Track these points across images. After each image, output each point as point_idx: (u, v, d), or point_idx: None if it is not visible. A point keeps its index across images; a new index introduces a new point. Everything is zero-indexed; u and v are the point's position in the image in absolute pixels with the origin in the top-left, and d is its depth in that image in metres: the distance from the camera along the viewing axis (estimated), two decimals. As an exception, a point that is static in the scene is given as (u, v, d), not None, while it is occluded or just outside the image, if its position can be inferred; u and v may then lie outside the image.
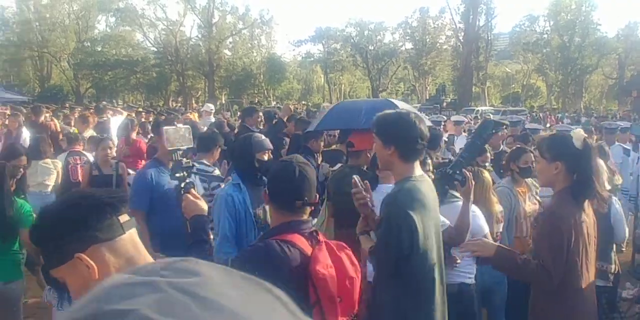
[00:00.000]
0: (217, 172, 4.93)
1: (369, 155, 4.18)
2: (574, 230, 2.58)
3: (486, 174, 4.03)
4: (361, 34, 48.94)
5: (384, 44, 50.35)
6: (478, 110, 28.18)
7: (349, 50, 49.45)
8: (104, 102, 19.20)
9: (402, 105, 5.12)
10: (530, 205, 4.45)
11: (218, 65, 46.70)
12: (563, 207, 2.65)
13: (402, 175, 2.60)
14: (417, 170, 2.65)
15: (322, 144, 6.86)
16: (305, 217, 2.19)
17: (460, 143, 8.19)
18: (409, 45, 50.60)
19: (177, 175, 2.42)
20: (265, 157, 3.68)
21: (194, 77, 48.66)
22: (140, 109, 18.83)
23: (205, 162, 4.76)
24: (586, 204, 2.70)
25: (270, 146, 3.81)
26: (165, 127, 2.52)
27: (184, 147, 2.51)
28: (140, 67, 46.46)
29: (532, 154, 4.39)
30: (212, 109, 14.06)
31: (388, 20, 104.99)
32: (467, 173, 3.23)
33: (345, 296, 2.06)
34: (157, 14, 47.62)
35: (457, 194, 3.47)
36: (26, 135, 8.31)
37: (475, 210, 3.44)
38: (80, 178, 6.13)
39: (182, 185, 2.40)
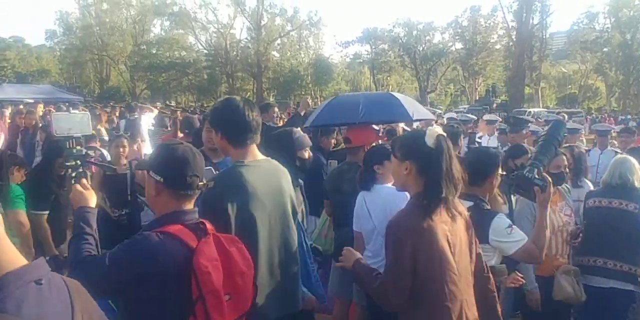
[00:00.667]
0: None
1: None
2: (426, 242, 2.28)
3: None
4: (409, 34, 49.55)
5: (433, 44, 50.72)
6: (530, 112, 27.77)
7: (397, 51, 50.12)
8: (135, 102, 21.03)
9: (403, 98, 5.00)
10: (562, 217, 3.90)
11: (266, 67, 48.48)
12: (410, 217, 2.34)
13: (234, 160, 2.65)
14: (251, 155, 2.65)
15: (333, 141, 6.63)
16: (189, 206, 2.09)
17: (492, 143, 8.10)
18: (458, 45, 50.80)
19: (68, 163, 2.37)
20: (306, 155, 3.44)
21: (243, 79, 50.67)
22: (175, 108, 20.60)
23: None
24: (459, 206, 2.47)
25: (310, 143, 3.51)
26: (55, 113, 2.66)
27: (79, 135, 2.44)
28: (192, 69, 49.18)
29: (564, 157, 4.01)
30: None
31: (437, 19, 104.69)
32: (548, 177, 2.94)
33: (236, 293, 1.98)
34: (209, 17, 50.00)
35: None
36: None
37: None
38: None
39: (74, 174, 2.35)
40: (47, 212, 4.47)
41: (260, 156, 2.71)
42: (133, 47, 50.98)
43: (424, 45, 50.07)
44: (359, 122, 4.43)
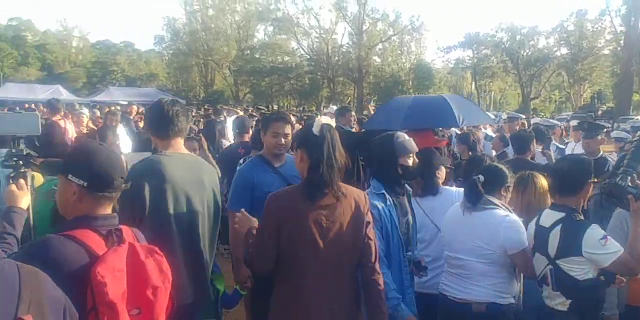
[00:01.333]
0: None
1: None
2: (293, 221, 2.51)
3: (541, 179, 3.58)
4: (513, 38, 49.12)
5: (537, 49, 50.19)
6: (638, 119, 26.80)
7: (500, 56, 50.03)
8: (221, 105, 22.32)
9: (457, 102, 5.01)
10: None
11: (367, 72, 49.74)
12: (289, 195, 2.60)
13: (159, 150, 3.11)
14: (173, 148, 3.04)
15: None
16: (107, 211, 2.00)
17: (578, 149, 7.92)
18: (564, 50, 49.68)
19: (7, 163, 2.44)
20: (410, 162, 3.19)
21: (344, 84, 52.24)
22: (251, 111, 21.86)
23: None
24: (351, 196, 2.60)
25: (416, 148, 3.31)
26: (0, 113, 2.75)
27: (23, 135, 2.55)
28: (293, 74, 51.14)
29: None
30: (334, 111, 15.70)
31: (542, 24, 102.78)
32: None
33: (147, 307, 1.89)
34: (311, 23, 51.83)
35: (495, 201, 3.18)
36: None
37: (515, 219, 3.12)
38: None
39: (12, 174, 2.41)
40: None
41: (184, 150, 3.14)
42: (237, 51, 53.76)
43: (527, 50, 49.69)
44: (399, 128, 4.44)
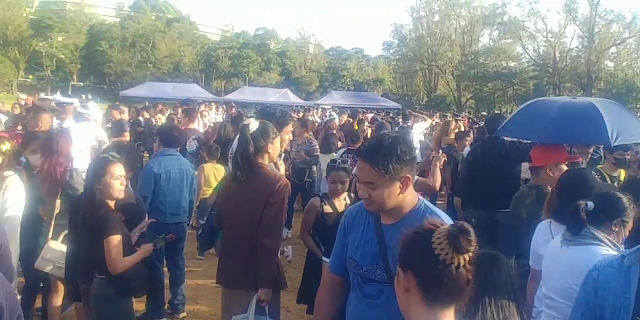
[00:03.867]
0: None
1: (550, 173, 3.92)
2: (218, 196, 4.14)
3: None
4: None
5: None
6: None
7: None
8: (409, 110, 23.81)
9: (611, 112, 4.39)
10: None
11: (597, 78, 49.76)
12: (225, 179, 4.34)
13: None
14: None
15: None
16: None
17: None
18: None
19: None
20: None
21: (570, 90, 51.69)
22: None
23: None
24: (245, 181, 3.63)
25: None
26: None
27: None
28: (517, 79, 53.08)
29: None
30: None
31: None
32: None
33: None
34: (538, 26, 53.07)
35: (601, 235, 2.75)
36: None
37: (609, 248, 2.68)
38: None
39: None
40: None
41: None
42: (461, 57, 57.13)
43: None
44: (538, 140, 4.31)
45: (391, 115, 24.51)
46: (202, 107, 19.83)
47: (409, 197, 2.43)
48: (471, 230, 1.53)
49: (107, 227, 3.54)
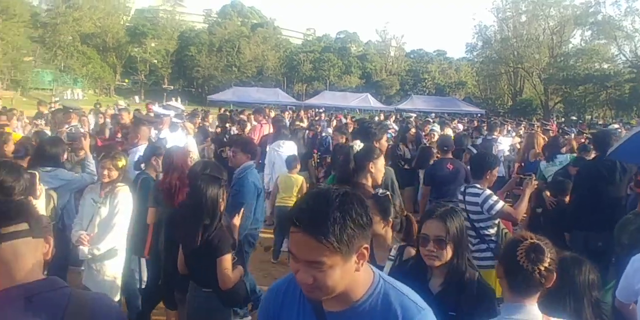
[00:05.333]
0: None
1: None
2: None
3: None
4: None
5: None
6: None
7: None
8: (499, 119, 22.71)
9: None
10: None
11: None
12: None
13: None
14: None
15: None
16: None
17: None
18: None
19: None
20: None
21: None
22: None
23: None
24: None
25: None
26: None
27: None
28: (611, 82, 49.75)
29: None
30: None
31: None
32: None
33: None
34: (635, 25, 50.28)
35: None
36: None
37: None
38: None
39: None
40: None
41: None
42: (549, 59, 55.14)
43: None
44: None
45: (475, 123, 23.08)
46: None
47: (363, 273, 1.74)
48: (545, 248, 2.29)
49: (221, 247, 3.73)
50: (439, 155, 7.88)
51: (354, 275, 1.68)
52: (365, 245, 1.66)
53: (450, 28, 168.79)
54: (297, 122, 15.54)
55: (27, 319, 1.64)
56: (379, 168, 3.89)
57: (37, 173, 3.99)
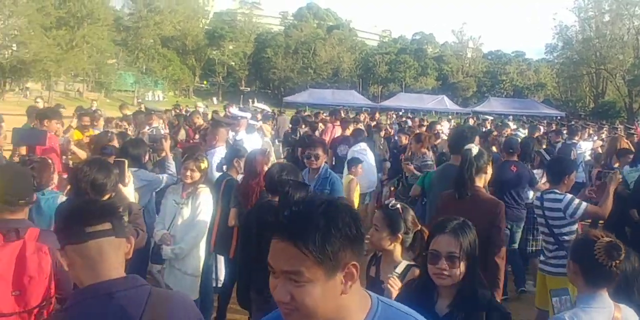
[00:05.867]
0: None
1: None
2: None
3: None
4: None
5: None
6: None
7: None
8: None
9: None
10: None
11: None
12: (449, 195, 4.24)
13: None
14: None
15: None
16: (9, 216, 2.82)
17: None
18: None
19: None
20: None
21: None
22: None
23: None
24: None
25: None
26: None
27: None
28: None
29: None
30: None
31: None
32: None
33: (22, 291, 2.53)
34: None
35: None
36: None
37: None
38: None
39: None
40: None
41: None
42: (634, 59, 52.87)
43: None
44: None
45: (554, 126, 22.26)
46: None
47: (356, 298, 1.51)
48: (622, 246, 2.50)
49: None
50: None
51: (341, 299, 1.45)
52: (354, 263, 1.44)
53: (529, 29, 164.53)
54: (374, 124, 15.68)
55: (108, 314, 1.73)
56: (489, 171, 4.19)
57: (125, 160, 4.07)
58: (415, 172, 7.98)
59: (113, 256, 1.85)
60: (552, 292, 3.67)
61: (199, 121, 11.43)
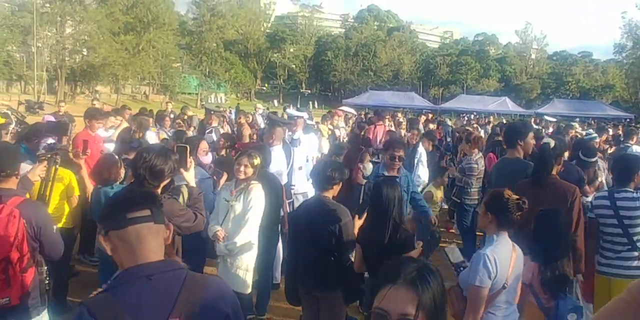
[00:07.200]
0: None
1: None
2: None
3: None
4: None
5: None
6: None
7: None
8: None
9: None
10: None
11: None
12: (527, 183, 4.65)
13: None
14: None
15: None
16: (6, 186, 3.36)
17: None
18: None
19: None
20: None
21: None
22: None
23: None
24: None
25: None
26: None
27: None
28: None
29: None
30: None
31: None
32: None
33: None
34: None
35: None
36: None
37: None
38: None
39: None
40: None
41: None
42: None
43: None
44: None
45: (620, 128, 21.23)
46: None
47: None
48: (526, 201, 3.33)
49: (410, 242, 4.21)
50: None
51: None
52: None
53: (596, 28, 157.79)
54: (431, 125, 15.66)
55: (147, 295, 1.82)
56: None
57: (187, 146, 4.07)
58: (457, 173, 8.04)
59: (152, 241, 1.93)
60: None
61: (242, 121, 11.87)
